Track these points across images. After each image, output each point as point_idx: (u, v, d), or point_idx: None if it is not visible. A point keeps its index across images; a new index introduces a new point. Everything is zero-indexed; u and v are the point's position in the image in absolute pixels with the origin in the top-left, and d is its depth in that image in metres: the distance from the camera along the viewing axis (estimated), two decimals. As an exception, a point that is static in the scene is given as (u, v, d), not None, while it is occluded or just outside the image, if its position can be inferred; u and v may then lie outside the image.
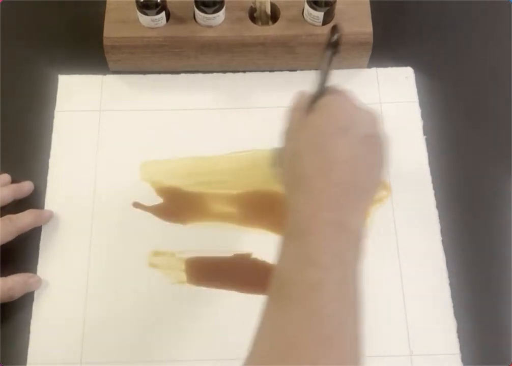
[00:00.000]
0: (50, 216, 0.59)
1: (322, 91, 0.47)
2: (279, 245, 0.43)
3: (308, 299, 0.39)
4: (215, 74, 0.67)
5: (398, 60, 0.68)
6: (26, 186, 0.60)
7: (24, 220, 0.57)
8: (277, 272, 0.42)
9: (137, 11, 0.63)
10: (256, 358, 0.39)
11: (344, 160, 0.44)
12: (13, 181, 0.60)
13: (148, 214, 0.60)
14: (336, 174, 0.43)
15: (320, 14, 0.63)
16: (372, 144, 0.46)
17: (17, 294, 0.55)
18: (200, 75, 0.67)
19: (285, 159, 0.48)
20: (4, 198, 0.58)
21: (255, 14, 0.65)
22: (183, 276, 0.58)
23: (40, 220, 0.59)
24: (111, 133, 0.64)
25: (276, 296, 0.41)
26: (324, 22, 0.64)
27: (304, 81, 0.66)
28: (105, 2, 0.65)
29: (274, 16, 0.65)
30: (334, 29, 0.46)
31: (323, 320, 0.38)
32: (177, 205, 0.61)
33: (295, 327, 0.38)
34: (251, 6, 0.65)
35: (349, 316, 0.40)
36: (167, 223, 0.60)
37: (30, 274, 0.56)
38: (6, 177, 0.60)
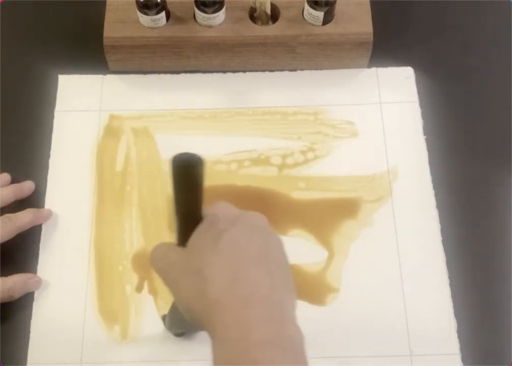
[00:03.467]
0: (49, 214, 0.59)
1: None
2: None
3: None
4: (215, 74, 0.67)
5: (398, 60, 0.68)
6: (26, 186, 0.60)
7: (23, 219, 0.57)
8: None
9: (137, 11, 0.63)
10: None
11: (254, 264, 0.39)
12: (14, 181, 0.60)
13: (149, 213, 0.60)
14: (249, 287, 0.38)
15: (320, 14, 0.63)
16: (270, 239, 0.42)
17: (17, 294, 0.55)
18: (200, 75, 0.67)
19: (186, 293, 0.41)
20: (5, 198, 0.58)
21: (255, 15, 0.65)
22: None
23: (39, 219, 0.59)
24: (111, 133, 0.64)
25: None
26: (325, 22, 0.64)
27: (304, 81, 0.67)
28: (105, 2, 0.65)
29: (274, 16, 0.65)
30: None
31: None
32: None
33: None
34: (251, 6, 0.65)
35: None
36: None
37: (31, 275, 0.56)
38: (6, 176, 0.60)
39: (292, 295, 0.41)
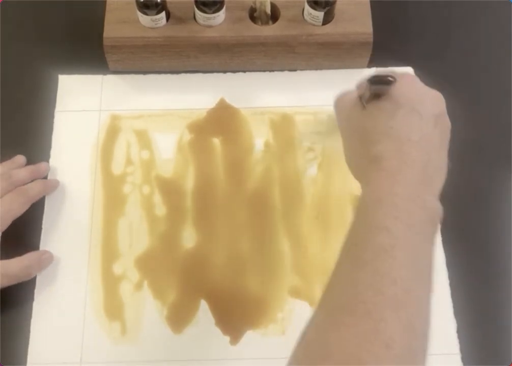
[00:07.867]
0: (56, 184, 0.61)
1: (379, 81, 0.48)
2: (353, 216, 0.44)
3: (379, 262, 0.40)
4: (215, 74, 0.67)
5: (398, 60, 0.68)
6: (42, 167, 0.61)
7: (34, 189, 0.58)
8: (350, 236, 0.43)
9: (137, 11, 0.63)
10: (325, 309, 0.40)
11: (417, 140, 0.45)
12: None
13: (149, 213, 0.60)
14: (410, 154, 0.45)
15: (320, 14, 0.63)
16: (440, 123, 0.48)
17: (34, 271, 0.56)
18: (200, 75, 0.67)
19: (352, 146, 0.50)
20: (21, 178, 0.59)
21: (255, 14, 0.65)
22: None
23: (48, 189, 0.60)
24: (111, 133, 0.64)
25: (348, 256, 0.42)
26: (325, 22, 0.64)
27: (304, 81, 0.67)
28: (105, 3, 0.65)
29: (274, 16, 0.65)
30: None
31: (391, 283, 0.39)
32: (179, 203, 0.61)
33: (364, 286, 0.39)
34: (251, 6, 0.65)
35: (418, 285, 0.41)
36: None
37: (42, 251, 0.57)
38: (21, 158, 0.61)
39: (441, 178, 0.47)
